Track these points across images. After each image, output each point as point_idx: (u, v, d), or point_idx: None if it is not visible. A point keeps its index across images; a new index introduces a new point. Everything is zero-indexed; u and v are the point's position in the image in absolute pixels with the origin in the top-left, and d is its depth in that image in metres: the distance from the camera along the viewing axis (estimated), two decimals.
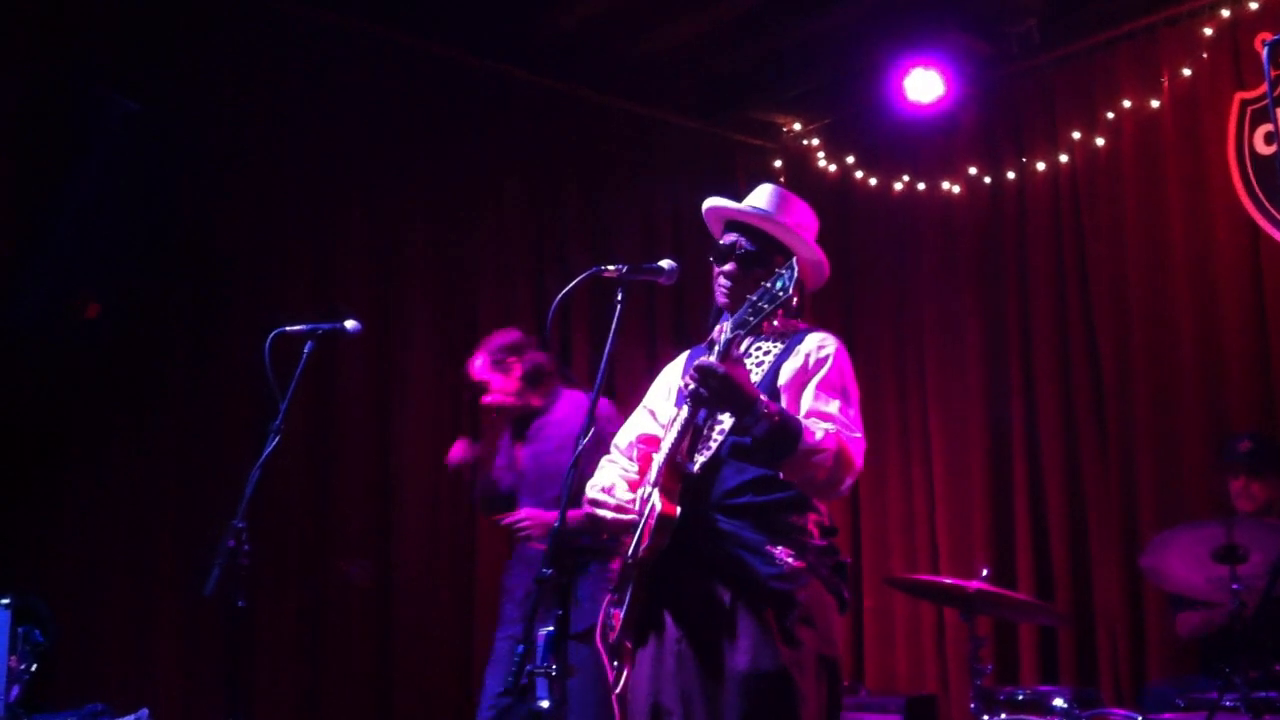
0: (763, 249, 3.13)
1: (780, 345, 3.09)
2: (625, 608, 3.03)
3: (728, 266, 3.14)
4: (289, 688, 5.37)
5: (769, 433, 2.80)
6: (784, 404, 2.97)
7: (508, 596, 4.87)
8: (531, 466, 4.82)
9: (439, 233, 6.07)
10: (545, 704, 2.64)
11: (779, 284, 2.68)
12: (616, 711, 3.08)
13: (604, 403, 4.84)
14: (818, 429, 2.88)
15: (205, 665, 5.04)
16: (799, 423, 2.86)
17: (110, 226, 4.70)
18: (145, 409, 5.14)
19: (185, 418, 5.22)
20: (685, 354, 3.36)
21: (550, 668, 2.65)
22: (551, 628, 2.70)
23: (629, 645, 3.06)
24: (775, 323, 2.89)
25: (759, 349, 3.11)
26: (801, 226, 3.18)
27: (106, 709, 4.07)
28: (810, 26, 6.23)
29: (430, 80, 6.07)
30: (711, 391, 2.79)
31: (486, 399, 4.87)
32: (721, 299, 3.15)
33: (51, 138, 4.69)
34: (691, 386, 2.79)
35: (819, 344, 3.07)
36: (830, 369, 3.03)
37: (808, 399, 2.98)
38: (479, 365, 4.88)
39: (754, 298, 2.74)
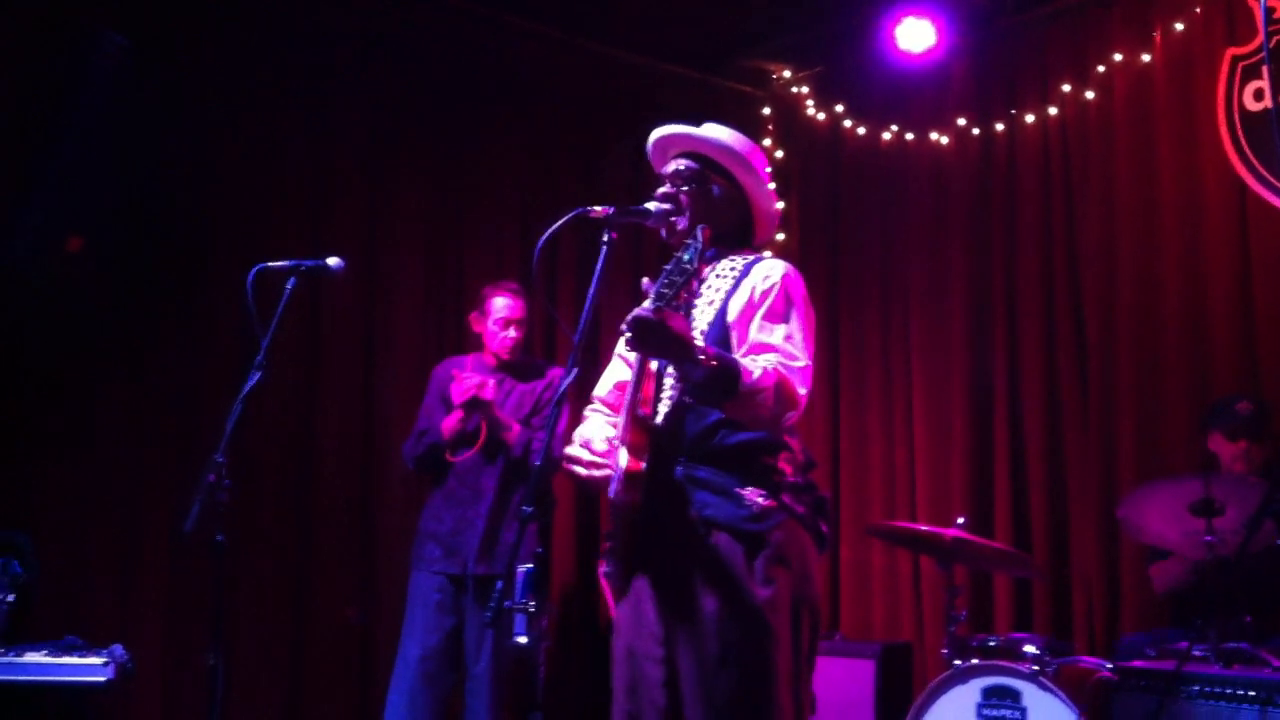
0: (704, 167, 3.17)
1: (730, 281, 3.10)
2: (616, 555, 3.07)
3: (668, 188, 3.16)
4: (271, 625, 5.40)
5: (707, 377, 2.81)
6: (735, 340, 3.00)
7: (429, 536, 4.95)
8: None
9: (431, 177, 6.05)
10: (524, 639, 2.67)
11: (687, 255, 2.71)
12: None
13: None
14: (755, 367, 2.87)
15: (186, 602, 5.08)
16: (737, 364, 2.85)
17: (103, 165, 4.68)
18: (135, 347, 5.15)
19: (175, 356, 5.22)
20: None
21: (529, 604, 2.67)
22: (531, 565, 2.72)
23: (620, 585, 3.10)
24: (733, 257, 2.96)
25: (709, 288, 3.13)
26: (755, 158, 3.21)
27: (83, 643, 4.08)
28: None
29: (425, 26, 6.00)
30: (648, 342, 2.79)
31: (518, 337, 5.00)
32: (674, 239, 3.15)
33: (45, 75, 4.65)
34: (628, 335, 2.79)
35: (765, 274, 3.07)
36: (775, 297, 3.03)
37: (753, 330, 3.00)
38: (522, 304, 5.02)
39: (669, 267, 2.76)
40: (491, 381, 4.87)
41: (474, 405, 4.81)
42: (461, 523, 4.87)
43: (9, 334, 4.79)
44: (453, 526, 4.88)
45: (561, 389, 2.86)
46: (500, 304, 4.99)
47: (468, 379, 4.83)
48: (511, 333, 4.98)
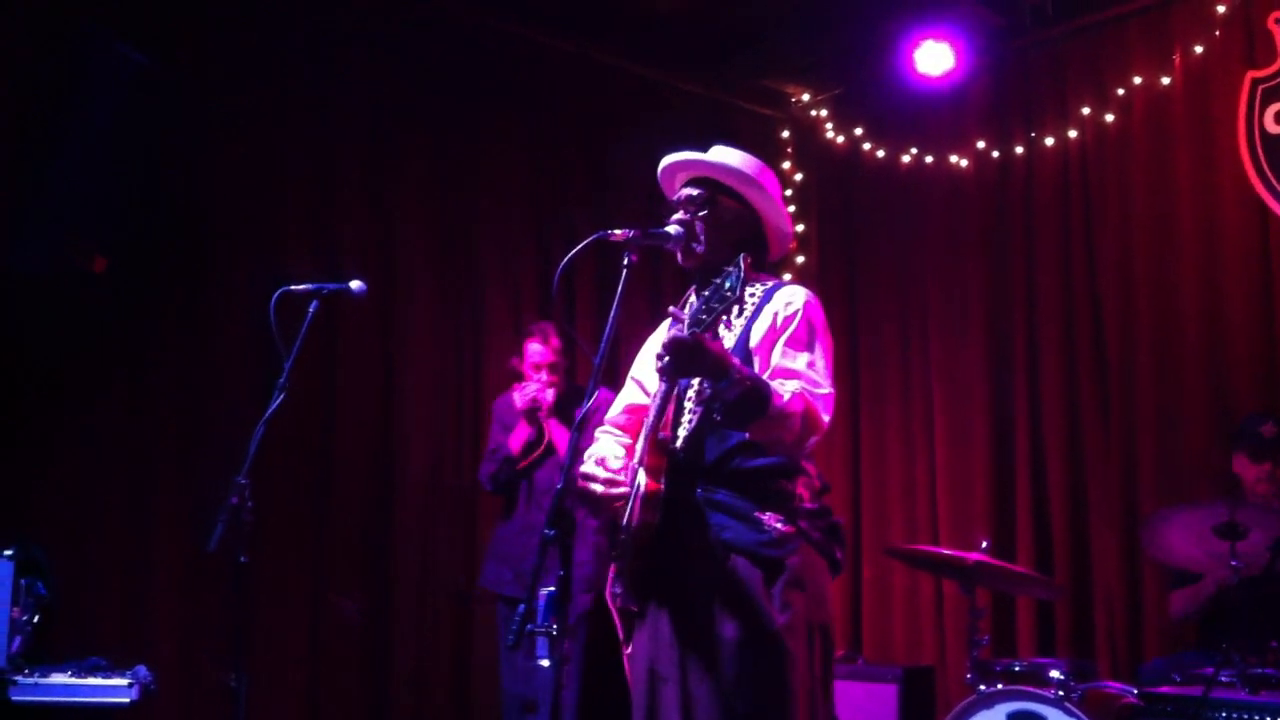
0: (714, 191, 3.15)
1: (751, 306, 3.10)
2: (626, 575, 3.07)
3: (683, 215, 3.14)
4: (287, 638, 5.39)
5: (740, 397, 2.81)
6: (757, 365, 3.00)
7: (496, 557, 5.19)
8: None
9: (440, 189, 6.05)
10: (545, 662, 2.66)
11: (728, 283, 2.71)
12: (629, 669, 3.12)
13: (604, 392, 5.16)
14: (785, 391, 2.88)
15: (204, 620, 5.05)
16: (768, 386, 2.86)
17: (112, 174, 4.69)
18: (145, 361, 5.15)
19: (185, 370, 5.23)
20: (667, 321, 3.36)
21: (551, 627, 2.66)
22: (553, 588, 2.71)
23: (634, 609, 3.09)
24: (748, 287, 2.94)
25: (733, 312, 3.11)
26: (765, 178, 3.20)
27: (107, 663, 4.08)
28: None
29: (434, 37, 6.01)
30: (686, 365, 2.81)
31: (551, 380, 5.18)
32: (689, 262, 3.16)
33: (56, 84, 4.66)
34: (665, 360, 2.80)
35: (786, 300, 3.08)
36: (798, 324, 3.04)
37: (776, 356, 3.01)
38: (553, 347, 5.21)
39: (707, 294, 2.76)
40: (551, 391, 5.14)
41: (535, 409, 5.10)
42: (526, 549, 5.06)
43: (22, 346, 4.78)
44: (519, 551, 5.08)
45: (583, 412, 2.87)
46: (533, 350, 5.23)
47: (528, 386, 5.13)
48: (544, 376, 5.19)
